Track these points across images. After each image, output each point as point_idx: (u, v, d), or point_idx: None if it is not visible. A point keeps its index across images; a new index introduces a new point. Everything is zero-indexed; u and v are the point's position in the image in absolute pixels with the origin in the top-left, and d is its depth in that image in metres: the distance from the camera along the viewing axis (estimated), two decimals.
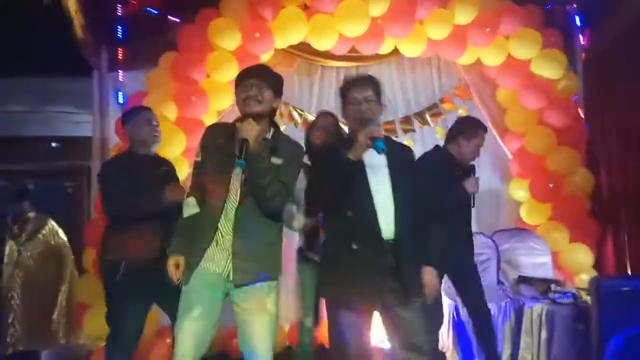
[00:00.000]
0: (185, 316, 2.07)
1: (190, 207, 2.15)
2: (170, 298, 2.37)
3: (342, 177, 2.10)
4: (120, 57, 4.10)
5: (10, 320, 3.95)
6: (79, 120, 5.48)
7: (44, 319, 4.09)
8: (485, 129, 3.11)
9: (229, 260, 2.06)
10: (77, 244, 4.14)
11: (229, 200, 2.08)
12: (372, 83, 2.25)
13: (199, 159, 2.20)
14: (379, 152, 2.08)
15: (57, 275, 4.23)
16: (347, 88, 2.25)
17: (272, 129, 2.20)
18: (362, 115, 2.17)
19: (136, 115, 2.87)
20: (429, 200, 2.28)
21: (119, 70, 4.13)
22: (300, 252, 3.03)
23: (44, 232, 4.21)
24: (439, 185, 2.69)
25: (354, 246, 2.10)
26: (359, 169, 2.14)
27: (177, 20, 4.06)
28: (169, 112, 3.69)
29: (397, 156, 2.24)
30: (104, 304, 2.79)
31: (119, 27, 4.05)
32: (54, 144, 5.98)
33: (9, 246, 4.13)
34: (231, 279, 2.07)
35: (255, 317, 2.09)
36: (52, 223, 4.31)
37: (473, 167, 3.00)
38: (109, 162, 2.98)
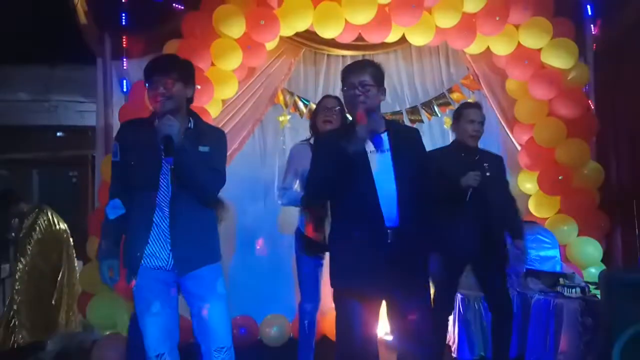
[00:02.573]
0: (145, 314, 2.10)
1: (117, 209, 2.13)
2: None
3: (341, 167, 2.07)
4: (125, 45, 4.04)
5: (11, 314, 3.95)
6: (84, 110, 5.48)
7: (46, 305, 4.10)
8: (472, 105, 3.09)
9: (169, 252, 2.08)
10: (82, 232, 4.13)
11: (160, 193, 2.08)
12: (369, 67, 2.17)
13: (117, 158, 2.14)
14: (378, 150, 2.09)
15: (57, 262, 4.24)
16: (344, 72, 2.20)
17: (191, 119, 2.17)
18: (355, 100, 2.11)
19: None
20: (435, 186, 2.25)
21: (123, 59, 4.08)
22: (300, 233, 3.02)
23: (40, 222, 4.21)
24: (443, 172, 2.66)
25: (356, 234, 2.07)
26: (360, 154, 2.10)
27: (182, 7, 4.01)
28: None
29: (402, 139, 2.19)
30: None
31: (122, 14, 3.99)
32: (59, 133, 5.98)
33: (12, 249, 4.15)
34: (175, 270, 2.10)
35: (208, 302, 2.13)
36: (48, 212, 4.30)
37: (483, 157, 2.94)
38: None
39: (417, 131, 2.42)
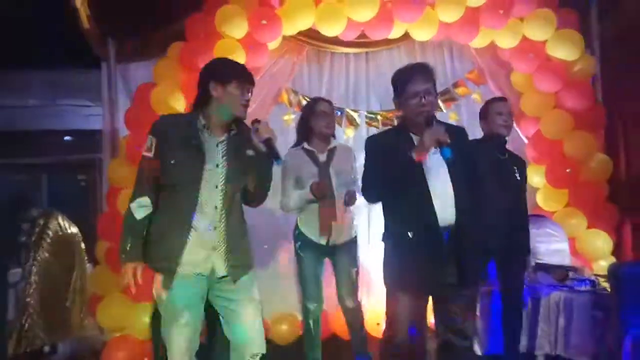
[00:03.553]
0: (173, 324, 2.04)
1: (145, 208, 2.04)
2: None
3: (402, 174, 2.12)
4: (128, 48, 4.07)
5: (24, 318, 3.99)
6: (91, 113, 5.52)
7: (59, 308, 4.14)
8: (499, 99, 3.15)
9: (210, 257, 2.05)
10: (90, 236, 4.16)
11: (202, 195, 2.03)
12: (431, 73, 2.23)
13: (150, 154, 2.04)
14: (446, 161, 2.11)
15: (69, 265, 4.27)
16: (405, 79, 2.21)
17: (233, 125, 2.17)
18: (422, 110, 2.16)
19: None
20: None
21: (128, 62, 4.10)
22: (300, 234, 3.03)
23: (51, 226, 4.23)
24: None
25: (410, 235, 2.11)
26: (411, 157, 2.13)
27: (185, 9, 4.01)
28: (178, 102, 3.66)
29: (452, 139, 2.20)
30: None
31: (125, 17, 4.01)
32: (66, 138, 6.04)
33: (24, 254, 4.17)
34: (218, 275, 2.07)
35: (246, 308, 2.11)
36: (58, 216, 4.34)
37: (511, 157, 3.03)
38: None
39: (464, 131, 2.43)
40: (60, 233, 4.28)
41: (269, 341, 3.77)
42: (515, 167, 2.98)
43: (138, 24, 4.01)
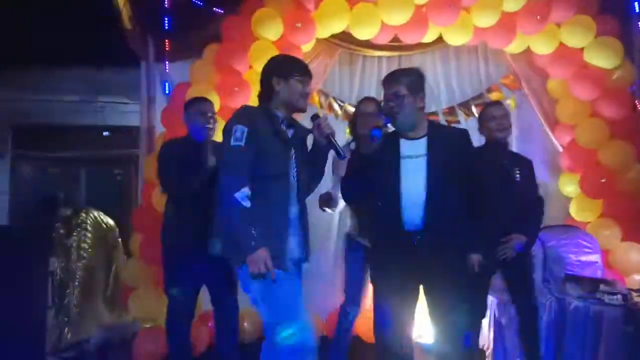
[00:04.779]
0: (292, 307, 2.09)
1: (248, 197, 2.03)
2: (216, 280, 2.86)
3: (359, 170, 2.21)
4: (167, 48, 4.18)
5: (66, 312, 4.13)
6: (128, 110, 5.69)
7: (95, 301, 4.28)
8: (491, 104, 3.13)
9: (299, 243, 2.18)
10: (126, 229, 4.30)
11: (291, 184, 2.16)
12: (402, 76, 2.26)
13: (241, 143, 2.05)
14: (372, 140, 2.17)
15: (108, 257, 4.41)
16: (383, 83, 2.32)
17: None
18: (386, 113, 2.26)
19: (190, 106, 3.01)
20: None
21: (166, 62, 4.21)
22: (349, 237, 3.03)
23: (88, 222, 4.38)
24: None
25: (377, 238, 2.21)
26: (393, 160, 2.17)
27: (222, 11, 4.10)
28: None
29: (443, 144, 2.22)
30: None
31: (165, 18, 4.13)
32: (105, 133, 6.23)
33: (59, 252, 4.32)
34: (303, 258, 2.21)
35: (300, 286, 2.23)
36: (93, 212, 4.47)
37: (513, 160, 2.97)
38: (166, 144, 3.12)
39: (463, 134, 2.41)
40: (98, 227, 4.43)
41: None
42: (517, 169, 2.90)
43: (177, 25, 4.11)
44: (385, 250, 2.19)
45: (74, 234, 4.22)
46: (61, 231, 4.17)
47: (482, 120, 2.99)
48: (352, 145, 3.03)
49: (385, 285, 2.22)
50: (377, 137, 2.17)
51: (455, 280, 2.20)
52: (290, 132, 2.21)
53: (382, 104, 2.32)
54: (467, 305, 2.26)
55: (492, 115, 2.92)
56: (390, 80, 2.25)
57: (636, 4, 4.10)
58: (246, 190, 2.01)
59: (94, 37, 5.01)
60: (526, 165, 3.00)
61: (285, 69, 2.20)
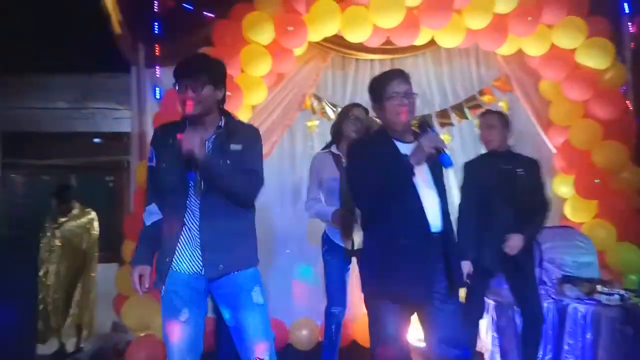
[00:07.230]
0: (172, 321, 2.02)
1: (153, 215, 2.10)
2: None
3: (395, 177, 2.08)
4: (157, 53, 4.14)
5: (42, 306, 4.11)
6: (119, 116, 5.63)
7: (63, 312, 4.31)
8: (483, 114, 3.17)
9: (199, 256, 2.01)
10: (117, 236, 4.24)
11: (190, 197, 2.02)
12: (407, 77, 2.23)
13: (152, 163, 2.11)
14: (445, 167, 2.12)
15: (80, 266, 4.42)
16: (383, 82, 2.21)
17: (222, 118, 2.11)
18: (404, 110, 2.14)
19: None
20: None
21: (156, 66, 4.18)
22: (327, 239, 3.05)
23: (84, 220, 4.38)
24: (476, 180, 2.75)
25: (402, 242, 2.07)
26: (400, 163, 2.11)
27: (212, 15, 4.08)
28: None
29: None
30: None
31: (155, 23, 4.09)
32: (95, 140, 6.16)
33: (48, 226, 4.30)
34: (203, 274, 2.02)
35: (243, 311, 2.03)
36: (91, 216, 4.46)
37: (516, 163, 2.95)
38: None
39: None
40: (85, 233, 4.42)
41: (289, 346, 3.84)
42: (519, 170, 2.91)
43: (167, 30, 4.08)
44: (404, 253, 2.07)
45: (64, 219, 4.23)
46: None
47: (480, 128, 3.08)
48: (334, 148, 3.07)
49: (392, 291, 2.09)
50: (450, 164, 2.10)
51: (460, 283, 2.26)
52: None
53: (388, 101, 2.18)
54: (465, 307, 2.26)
55: (483, 123, 3.02)
56: (403, 77, 2.21)
57: (626, 4, 4.14)
58: (150, 208, 2.11)
59: (83, 42, 4.96)
60: (530, 166, 3.00)
61: (174, 74, 2.07)
